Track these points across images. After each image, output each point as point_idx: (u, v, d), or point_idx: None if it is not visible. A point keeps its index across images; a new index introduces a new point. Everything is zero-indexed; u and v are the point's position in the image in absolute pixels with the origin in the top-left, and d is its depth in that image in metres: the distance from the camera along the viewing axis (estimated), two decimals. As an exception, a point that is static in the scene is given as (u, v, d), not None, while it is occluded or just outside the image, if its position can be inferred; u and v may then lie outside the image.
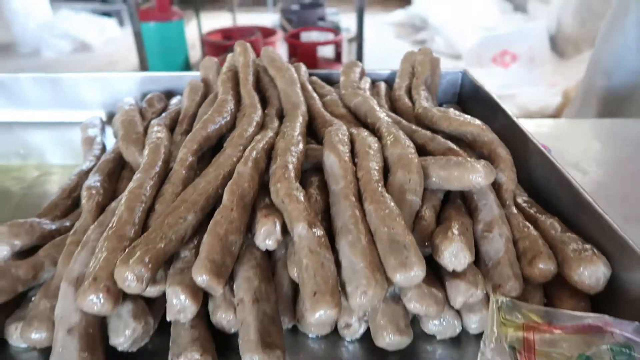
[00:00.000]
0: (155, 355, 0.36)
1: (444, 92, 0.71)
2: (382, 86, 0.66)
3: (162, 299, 0.37)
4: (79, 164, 0.56)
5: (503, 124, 0.54)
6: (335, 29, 2.83)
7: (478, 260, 0.38)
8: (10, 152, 0.67)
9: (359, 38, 2.18)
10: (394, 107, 0.61)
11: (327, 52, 2.52)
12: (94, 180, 0.48)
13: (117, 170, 0.53)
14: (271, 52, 0.64)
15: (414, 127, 0.51)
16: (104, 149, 0.60)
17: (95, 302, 0.33)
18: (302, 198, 0.38)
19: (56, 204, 0.49)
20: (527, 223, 0.41)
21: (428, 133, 0.49)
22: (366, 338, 0.37)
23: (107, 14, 4.55)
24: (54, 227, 0.45)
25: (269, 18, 4.70)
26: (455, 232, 0.36)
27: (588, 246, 0.36)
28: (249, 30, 2.41)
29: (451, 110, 0.52)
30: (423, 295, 0.34)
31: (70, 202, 0.50)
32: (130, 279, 0.33)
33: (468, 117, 0.50)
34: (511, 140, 0.49)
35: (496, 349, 0.31)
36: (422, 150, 0.47)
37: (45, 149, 0.69)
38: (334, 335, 0.37)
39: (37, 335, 0.35)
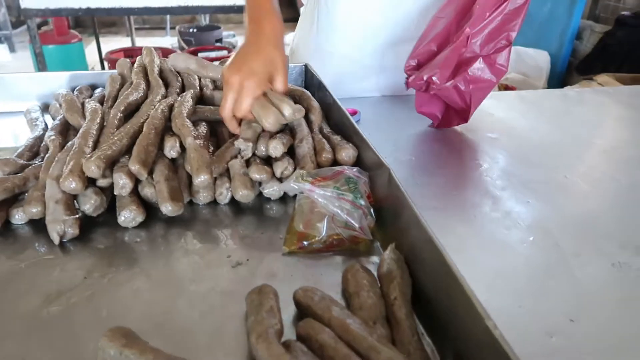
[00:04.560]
0: (110, 216, 0.62)
1: (294, 81, 1.03)
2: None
3: (111, 188, 0.63)
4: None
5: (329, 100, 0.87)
6: (231, 49, 3.11)
7: (295, 157, 0.69)
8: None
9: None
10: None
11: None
12: (51, 133, 0.73)
13: (64, 132, 0.77)
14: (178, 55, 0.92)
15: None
16: (46, 127, 0.84)
17: (72, 184, 0.59)
18: (189, 125, 0.66)
19: (22, 154, 0.73)
20: (324, 140, 0.72)
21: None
22: (232, 202, 0.65)
23: (-2, 39, 4.45)
24: (28, 161, 0.69)
25: (167, 41, 4.84)
26: (276, 138, 0.66)
27: (347, 144, 0.69)
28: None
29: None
30: (260, 169, 0.64)
31: (32, 154, 0.74)
32: (92, 169, 0.59)
33: (296, 87, 0.82)
34: (330, 107, 0.81)
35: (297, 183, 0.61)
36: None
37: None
38: (214, 202, 0.66)
39: (35, 209, 0.59)
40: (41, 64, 2.49)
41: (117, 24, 5.88)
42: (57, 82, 0.96)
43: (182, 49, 4.08)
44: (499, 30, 0.76)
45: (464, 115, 0.86)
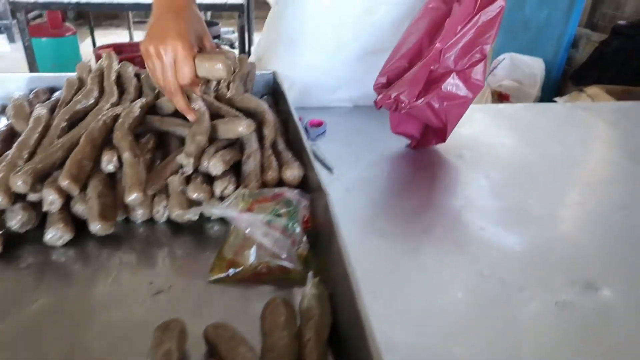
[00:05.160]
0: (37, 233, 0.60)
1: (261, 89, 1.00)
2: (212, 82, 0.93)
3: (40, 203, 0.60)
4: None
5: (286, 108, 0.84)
6: (230, 46, 3.08)
7: (241, 174, 0.66)
8: None
9: (242, 52, 2.46)
10: (217, 95, 0.88)
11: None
12: (-8, 141, 0.70)
13: (9, 139, 0.74)
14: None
15: (221, 105, 0.79)
16: (0, 129, 0.81)
17: (-3, 199, 0.56)
18: (130, 138, 0.64)
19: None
20: (273, 157, 0.69)
21: (227, 107, 0.77)
22: (170, 220, 0.63)
23: (-4, 29, 4.43)
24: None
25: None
26: (218, 155, 0.64)
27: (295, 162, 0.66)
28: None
29: (246, 95, 0.81)
30: (198, 187, 0.61)
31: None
32: (19, 184, 0.56)
33: (253, 98, 0.79)
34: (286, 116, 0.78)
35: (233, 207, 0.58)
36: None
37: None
38: (152, 220, 0.63)
39: (-42, 223, 0.57)
40: (30, 58, 2.47)
41: (119, 16, 5.84)
42: (16, 84, 0.93)
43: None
44: (473, 43, 0.72)
45: (441, 134, 0.83)
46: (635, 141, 0.99)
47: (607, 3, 2.49)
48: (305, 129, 0.92)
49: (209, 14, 4.61)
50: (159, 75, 0.66)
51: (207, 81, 0.95)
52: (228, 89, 0.89)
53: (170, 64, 0.65)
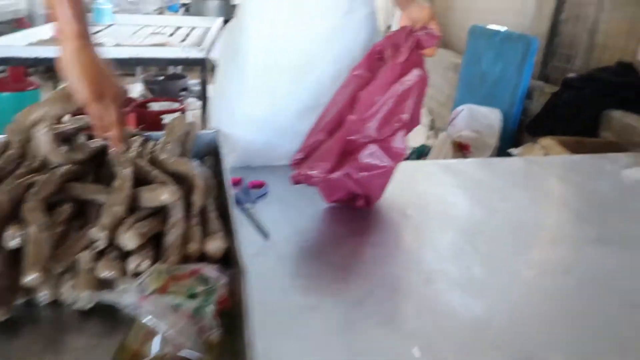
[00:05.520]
0: None
1: (207, 145, 0.97)
2: (150, 143, 0.89)
3: None
4: None
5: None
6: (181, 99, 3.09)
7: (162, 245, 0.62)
8: None
9: (203, 106, 2.46)
10: (151, 157, 0.84)
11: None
12: None
13: None
14: None
15: (150, 169, 0.75)
16: None
17: None
18: (39, 211, 0.59)
19: None
20: (199, 226, 0.65)
21: (156, 171, 0.73)
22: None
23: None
24: None
25: (137, 87, 4.77)
26: (134, 227, 0.59)
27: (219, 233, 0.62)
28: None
29: (178, 158, 0.77)
30: (108, 265, 0.56)
31: None
32: None
33: (184, 161, 0.75)
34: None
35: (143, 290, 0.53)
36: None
37: None
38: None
39: None
40: (-15, 113, 2.40)
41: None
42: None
43: (145, 96, 4.05)
44: (392, 112, 0.73)
45: (368, 201, 0.81)
46: (584, 196, 0.98)
47: (557, 56, 2.60)
48: (246, 191, 0.89)
49: (179, 67, 4.65)
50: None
51: (145, 141, 0.92)
52: (163, 150, 0.85)
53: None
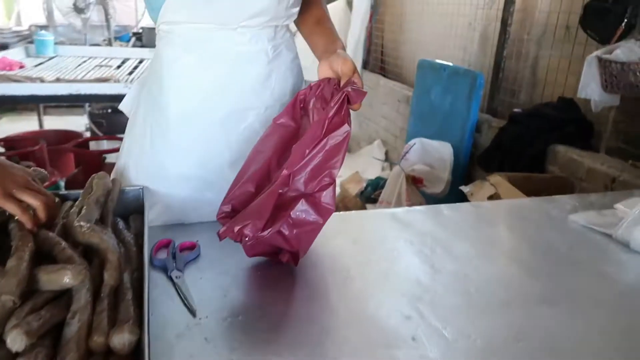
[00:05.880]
0: None
1: (134, 201, 0.89)
2: (67, 204, 0.81)
3: None
4: None
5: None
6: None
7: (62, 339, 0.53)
8: None
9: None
10: (66, 223, 0.76)
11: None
12: None
13: None
14: None
15: (57, 241, 0.66)
16: None
17: None
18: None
19: None
20: (107, 311, 0.57)
21: (64, 244, 0.65)
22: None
23: None
24: None
25: (83, 121, 4.60)
26: (23, 322, 0.50)
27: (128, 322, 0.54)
28: (34, 141, 2.41)
29: (89, 225, 0.69)
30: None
31: None
32: None
33: (97, 231, 0.67)
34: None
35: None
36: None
37: None
38: None
39: None
40: None
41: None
42: None
43: (92, 131, 3.88)
44: (321, 167, 0.69)
45: (295, 257, 0.76)
46: (531, 247, 0.96)
47: (503, 91, 2.66)
48: (175, 256, 0.81)
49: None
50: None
51: (62, 201, 0.83)
52: (79, 215, 0.77)
53: None
